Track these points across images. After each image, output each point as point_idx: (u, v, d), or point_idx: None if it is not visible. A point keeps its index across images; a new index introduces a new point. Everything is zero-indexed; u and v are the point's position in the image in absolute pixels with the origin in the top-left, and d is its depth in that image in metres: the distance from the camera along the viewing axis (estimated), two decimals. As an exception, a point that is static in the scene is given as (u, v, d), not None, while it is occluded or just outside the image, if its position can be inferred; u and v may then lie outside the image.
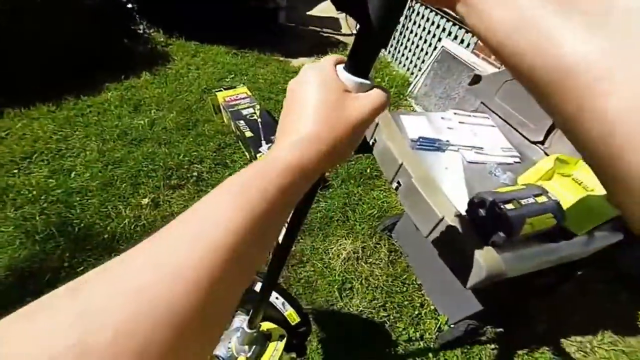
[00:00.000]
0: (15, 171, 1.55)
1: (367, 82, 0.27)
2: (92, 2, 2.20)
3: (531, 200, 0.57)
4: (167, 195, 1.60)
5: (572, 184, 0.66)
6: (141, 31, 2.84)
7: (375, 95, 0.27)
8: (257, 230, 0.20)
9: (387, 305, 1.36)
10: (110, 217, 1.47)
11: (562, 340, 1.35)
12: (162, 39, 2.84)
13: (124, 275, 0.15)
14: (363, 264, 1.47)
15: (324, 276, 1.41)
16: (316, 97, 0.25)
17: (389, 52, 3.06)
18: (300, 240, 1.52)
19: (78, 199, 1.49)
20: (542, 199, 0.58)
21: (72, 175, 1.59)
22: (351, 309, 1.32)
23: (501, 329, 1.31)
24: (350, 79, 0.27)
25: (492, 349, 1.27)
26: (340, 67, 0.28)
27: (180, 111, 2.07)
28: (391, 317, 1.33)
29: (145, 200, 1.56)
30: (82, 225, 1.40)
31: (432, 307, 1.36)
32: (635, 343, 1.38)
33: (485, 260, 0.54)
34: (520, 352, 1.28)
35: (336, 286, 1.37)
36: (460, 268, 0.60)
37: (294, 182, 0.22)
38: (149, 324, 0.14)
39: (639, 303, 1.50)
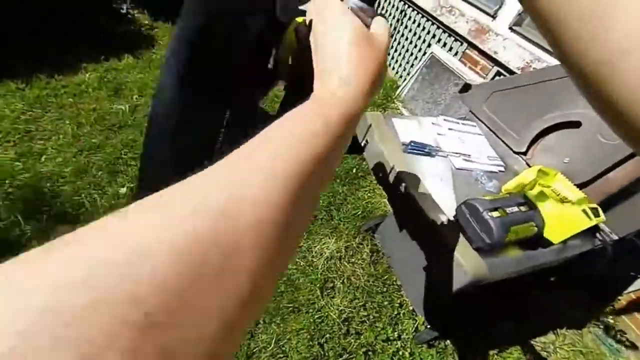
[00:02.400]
0: (-23, 151, 1.43)
1: (372, 8, 0.29)
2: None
3: (515, 209, 0.60)
4: (146, 185, 1.54)
5: (552, 195, 0.69)
6: (124, 11, 2.70)
7: (385, 29, 0.28)
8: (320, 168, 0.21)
9: (367, 305, 1.38)
10: (84, 206, 1.39)
11: (528, 340, 1.43)
12: (147, 22, 2.71)
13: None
14: (345, 264, 1.48)
15: (306, 274, 1.41)
16: (347, 39, 0.26)
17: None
18: (284, 238, 1.51)
19: (48, 184, 1.40)
20: (525, 208, 0.61)
21: (43, 159, 1.49)
22: (332, 308, 1.33)
23: (473, 329, 1.37)
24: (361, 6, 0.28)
25: (465, 349, 1.32)
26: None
27: (164, 99, 1.99)
28: (371, 317, 1.35)
29: (124, 190, 1.49)
30: (51, 213, 1.31)
31: (411, 308, 1.40)
32: (591, 344, 1.49)
33: (471, 265, 0.56)
34: (491, 351, 1.35)
35: (318, 285, 1.38)
36: (446, 272, 0.62)
37: (348, 129, 0.24)
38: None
39: (595, 306, 1.61)
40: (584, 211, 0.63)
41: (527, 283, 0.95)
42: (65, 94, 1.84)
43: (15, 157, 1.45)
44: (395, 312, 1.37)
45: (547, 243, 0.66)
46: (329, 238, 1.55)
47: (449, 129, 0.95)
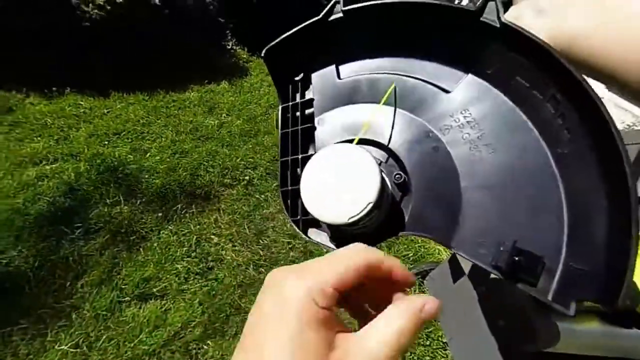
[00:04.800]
0: (106, 143, 1.81)
1: None
2: (196, 16, 2.60)
3: (600, 273, 0.53)
4: (218, 191, 1.74)
5: (651, 269, 0.59)
6: (229, 46, 3.25)
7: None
8: None
9: (406, 355, 1.27)
10: (167, 198, 1.63)
11: None
12: (245, 56, 3.20)
13: None
14: (388, 304, 1.41)
15: (346, 305, 1.38)
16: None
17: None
18: (330, 263, 1.52)
19: (146, 176, 1.68)
20: (613, 275, 0.54)
21: (147, 155, 1.81)
22: (367, 348, 1.26)
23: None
24: None
25: None
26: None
27: (247, 119, 2.28)
28: (408, 370, 1.24)
29: (199, 192, 1.71)
30: (143, 199, 1.57)
31: (456, 372, 1.24)
32: None
33: (541, 323, 0.51)
34: None
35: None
36: (506, 327, 0.56)
37: None
38: None
39: None
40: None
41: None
42: (173, 106, 2.25)
43: (129, 151, 1.80)
44: (437, 372, 1.23)
45: (642, 324, 0.55)
46: (375, 273, 1.51)
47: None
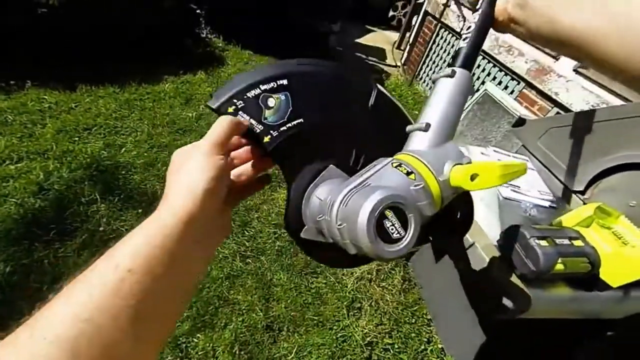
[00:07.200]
0: (76, 139, 1.71)
1: None
2: (168, 4, 2.47)
3: (566, 241, 0.57)
4: (200, 184, 1.70)
5: (612, 237, 0.64)
6: (204, 35, 3.12)
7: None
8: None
9: (393, 333, 1.32)
10: (146, 194, 1.57)
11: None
12: (220, 44, 3.09)
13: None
14: (375, 287, 1.45)
15: (335, 291, 1.41)
16: None
17: (430, 87, 3.12)
18: (317, 251, 1.54)
19: (123, 172, 1.62)
20: (578, 242, 0.58)
21: (122, 151, 1.74)
22: (357, 329, 1.30)
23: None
24: None
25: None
26: None
27: (226, 110, 2.22)
28: (395, 347, 1.29)
29: (180, 185, 1.66)
30: (122, 196, 1.51)
31: (440, 346, 1.31)
32: None
33: (513, 292, 0.54)
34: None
35: (345, 303, 1.36)
36: (484, 298, 0.60)
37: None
38: None
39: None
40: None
41: (579, 334, 0.85)
42: (148, 99, 2.15)
43: (103, 146, 1.72)
44: (422, 347, 1.29)
45: (604, 286, 0.61)
46: (361, 258, 1.54)
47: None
